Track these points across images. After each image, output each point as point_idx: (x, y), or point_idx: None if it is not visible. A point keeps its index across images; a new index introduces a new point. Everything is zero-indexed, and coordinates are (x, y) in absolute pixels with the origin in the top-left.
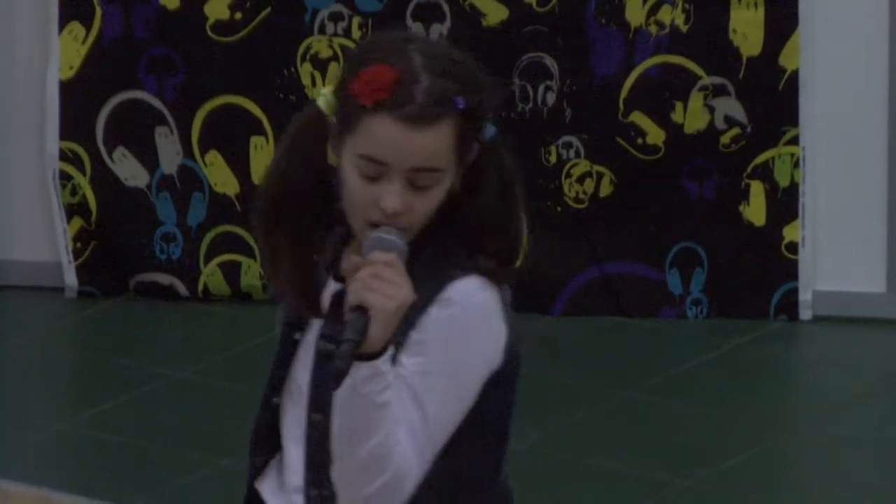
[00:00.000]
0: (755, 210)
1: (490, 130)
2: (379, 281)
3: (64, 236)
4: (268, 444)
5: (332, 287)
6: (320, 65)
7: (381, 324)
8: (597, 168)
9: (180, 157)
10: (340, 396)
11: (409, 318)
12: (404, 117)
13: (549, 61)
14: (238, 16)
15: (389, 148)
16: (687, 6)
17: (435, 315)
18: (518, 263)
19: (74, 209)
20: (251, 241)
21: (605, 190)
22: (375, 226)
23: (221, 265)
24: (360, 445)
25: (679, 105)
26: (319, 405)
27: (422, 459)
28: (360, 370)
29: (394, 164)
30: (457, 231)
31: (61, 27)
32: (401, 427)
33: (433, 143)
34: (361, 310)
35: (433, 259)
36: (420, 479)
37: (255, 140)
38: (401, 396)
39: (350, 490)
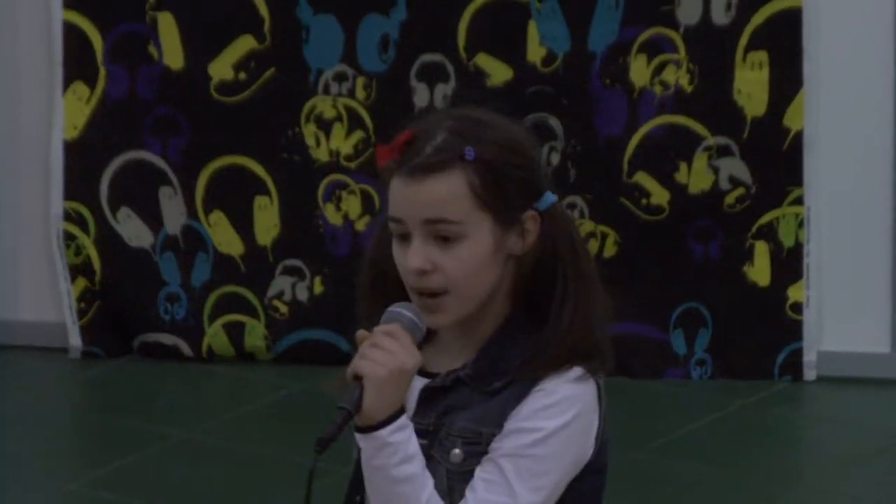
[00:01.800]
0: (759, 270)
1: (548, 198)
2: (375, 349)
3: (68, 296)
4: None
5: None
6: (324, 125)
7: (373, 391)
8: (601, 228)
9: (184, 218)
10: (365, 474)
11: (503, 406)
12: (409, 170)
13: (554, 122)
14: (242, 76)
15: (400, 203)
16: (691, 66)
17: (530, 404)
18: (611, 348)
19: (78, 269)
20: (255, 302)
21: (610, 251)
22: (417, 293)
23: (225, 326)
24: None
25: (683, 165)
26: (357, 486)
27: None
28: (365, 442)
29: (407, 220)
30: (541, 314)
31: (65, 87)
32: None
33: (437, 192)
34: (357, 379)
35: (521, 345)
36: None
37: (259, 200)
38: (490, 479)
39: None
